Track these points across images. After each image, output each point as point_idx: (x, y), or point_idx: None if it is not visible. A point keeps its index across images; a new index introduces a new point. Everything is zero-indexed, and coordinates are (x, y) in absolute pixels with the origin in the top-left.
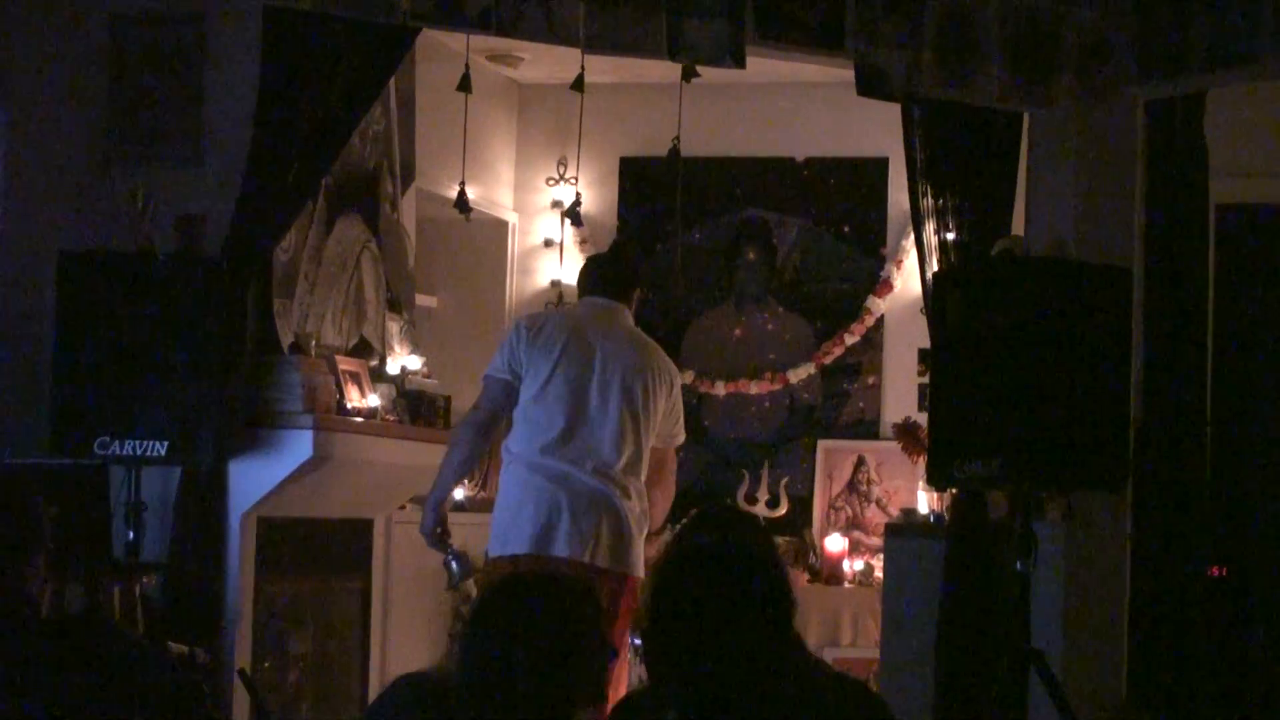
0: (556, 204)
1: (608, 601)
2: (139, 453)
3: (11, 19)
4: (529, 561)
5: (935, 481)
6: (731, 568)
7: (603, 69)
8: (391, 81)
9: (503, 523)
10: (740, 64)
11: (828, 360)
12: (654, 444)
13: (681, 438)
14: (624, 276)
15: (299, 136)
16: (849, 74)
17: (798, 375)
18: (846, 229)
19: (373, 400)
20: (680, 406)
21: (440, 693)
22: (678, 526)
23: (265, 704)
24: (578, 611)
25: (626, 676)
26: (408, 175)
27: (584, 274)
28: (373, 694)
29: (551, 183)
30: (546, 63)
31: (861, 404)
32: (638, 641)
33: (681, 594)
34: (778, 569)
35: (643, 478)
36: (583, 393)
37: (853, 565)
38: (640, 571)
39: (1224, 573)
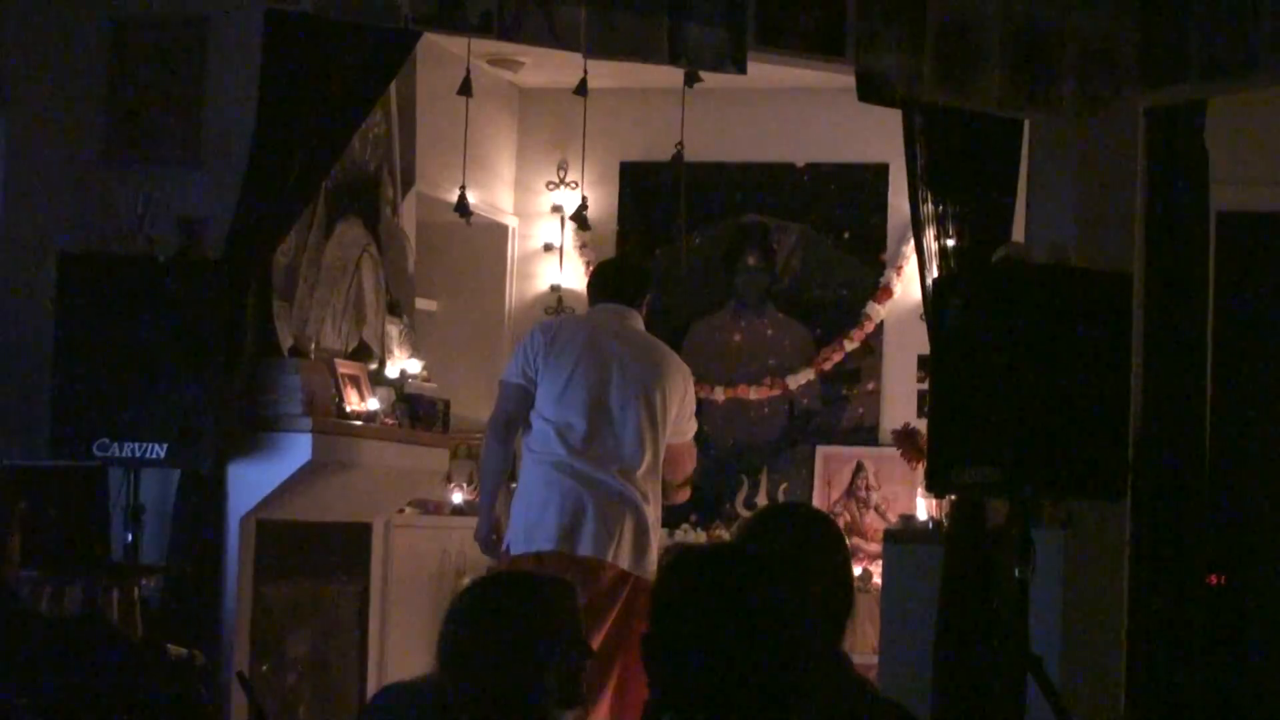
0: (557, 208)
1: (627, 602)
2: (138, 455)
3: (12, 20)
4: (554, 558)
5: (934, 488)
6: (733, 576)
7: (604, 74)
8: (392, 85)
9: (527, 519)
10: (741, 69)
11: (827, 366)
12: (669, 439)
13: (693, 430)
14: (634, 282)
15: (300, 139)
16: (850, 80)
17: (797, 381)
18: (846, 235)
19: (372, 404)
20: (692, 401)
21: (424, 698)
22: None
23: (263, 707)
24: (549, 610)
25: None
26: (408, 179)
27: (594, 280)
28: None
29: (552, 187)
30: (547, 67)
31: (861, 410)
32: None
33: (680, 600)
34: (792, 578)
35: (660, 482)
36: (603, 397)
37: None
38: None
39: (1222, 580)
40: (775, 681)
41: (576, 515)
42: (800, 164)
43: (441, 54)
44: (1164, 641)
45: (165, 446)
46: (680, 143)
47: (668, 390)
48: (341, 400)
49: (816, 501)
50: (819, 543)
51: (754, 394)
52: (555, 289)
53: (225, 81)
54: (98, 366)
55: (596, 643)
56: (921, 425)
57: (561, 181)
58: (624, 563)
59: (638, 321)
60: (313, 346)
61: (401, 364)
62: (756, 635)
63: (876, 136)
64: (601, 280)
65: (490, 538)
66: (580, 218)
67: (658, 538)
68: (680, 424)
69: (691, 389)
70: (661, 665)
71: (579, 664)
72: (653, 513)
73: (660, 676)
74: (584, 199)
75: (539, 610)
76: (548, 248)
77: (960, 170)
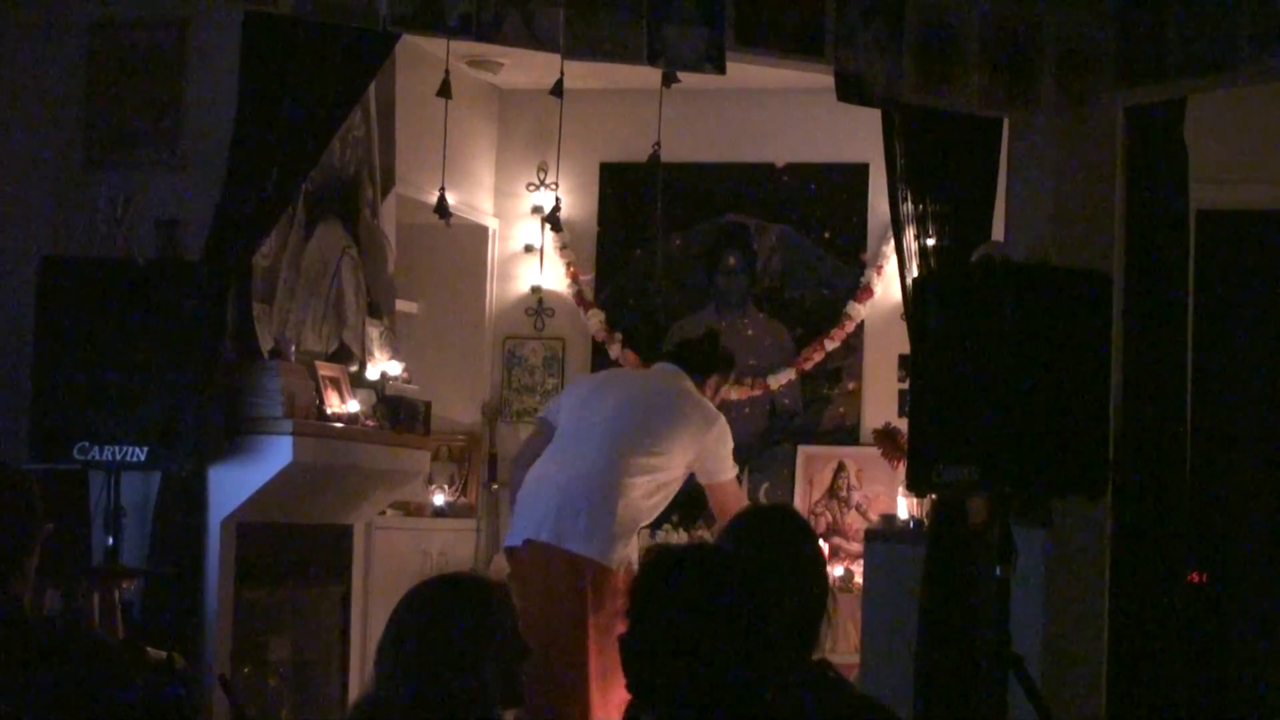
0: (537, 209)
1: (587, 589)
2: (119, 458)
3: None
4: (516, 551)
5: (915, 487)
6: (708, 575)
7: (583, 74)
8: (371, 87)
9: (511, 519)
10: (720, 70)
11: (808, 366)
12: (702, 480)
13: (722, 476)
14: (702, 354)
15: (279, 142)
16: (829, 80)
17: (778, 381)
18: (827, 235)
19: (352, 406)
20: (718, 449)
21: (366, 709)
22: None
23: (244, 710)
24: (485, 611)
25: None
26: (388, 181)
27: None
28: (352, 699)
29: (532, 188)
30: (527, 68)
31: (841, 410)
32: None
33: (656, 601)
34: (766, 579)
35: (634, 491)
36: (593, 417)
37: (833, 571)
38: (608, 561)
39: (1203, 579)
40: (750, 681)
41: (541, 509)
42: (780, 164)
43: (421, 56)
44: (1145, 640)
45: (146, 449)
46: (658, 143)
47: (667, 431)
48: (322, 402)
49: (798, 501)
50: (795, 547)
51: (735, 394)
52: (536, 290)
53: (204, 84)
54: (78, 369)
55: (555, 630)
56: (902, 424)
57: (541, 183)
58: (573, 546)
59: (683, 381)
60: (293, 349)
61: (382, 366)
62: (730, 634)
63: (856, 136)
64: (675, 343)
65: None
66: (554, 219)
67: (623, 534)
68: (706, 464)
69: (713, 439)
70: (639, 665)
71: (517, 663)
72: (614, 506)
73: (638, 676)
74: (557, 201)
75: (474, 611)
76: (528, 249)
77: (939, 170)
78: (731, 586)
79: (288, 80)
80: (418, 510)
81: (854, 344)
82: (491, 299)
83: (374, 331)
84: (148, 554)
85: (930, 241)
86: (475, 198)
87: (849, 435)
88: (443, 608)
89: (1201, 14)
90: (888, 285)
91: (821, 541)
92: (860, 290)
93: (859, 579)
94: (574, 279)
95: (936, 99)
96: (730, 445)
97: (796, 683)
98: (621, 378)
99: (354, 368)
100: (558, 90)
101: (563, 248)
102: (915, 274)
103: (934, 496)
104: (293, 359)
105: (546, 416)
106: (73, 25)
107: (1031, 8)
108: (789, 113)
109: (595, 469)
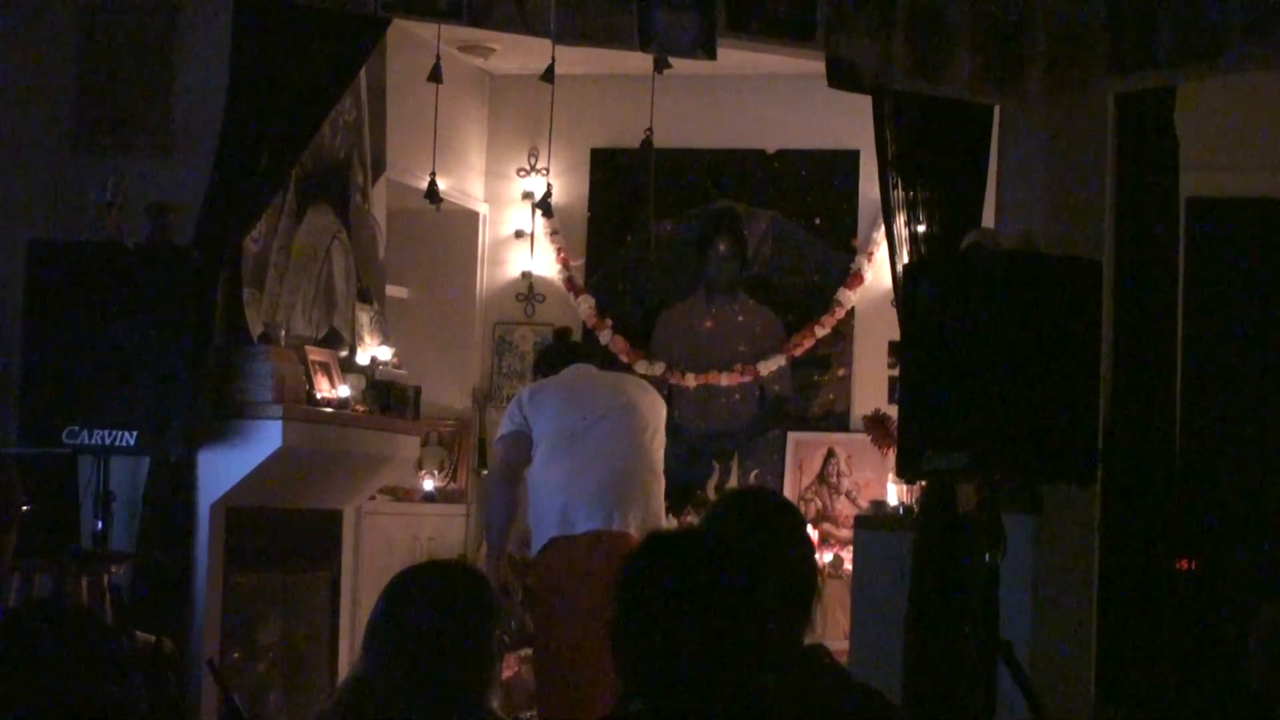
0: (527, 195)
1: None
2: (108, 442)
3: None
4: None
5: (905, 474)
6: (696, 561)
7: (574, 60)
8: (362, 72)
9: (541, 521)
10: (711, 55)
11: (798, 352)
12: None
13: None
14: (585, 351)
15: (270, 126)
16: (820, 66)
17: (768, 367)
18: (817, 221)
19: (342, 391)
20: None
21: (353, 692)
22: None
23: (233, 694)
24: (481, 599)
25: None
26: (378, 166)
27: (552, 354)
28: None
29: (522, 174)
30: (518, 54)
31: (832, 396)
32: None
33: (643, 585)
34: (754, 563)
35: (661, 479)
36: (592, 418)
37: (822, 557)
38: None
39: (1192, 565)
40: (739, 666)
41: (599, 499)
42: (771, 150)
43: (412, 41)
44: (1134, 626)
45: (135, 434)
46: (650, 129)
47: (655, 417)
48: (312, 387)
49: (788, 487)
50: (780, 526)
51: (725, 380)
52: (526, 275)
53: (195, 67)
54: (67, 354)
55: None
56: (892, 411)
57: (532, 168)
58: (617, 525)
59: (618, 373)
60: (283, 334)
61: (372, 351)
62: (719, 621)
63: (847, 123)
64: (561, 350)
65: (501, 583)
66: (545, 205)
67: (650, 502)
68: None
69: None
70: (628, 652)
71: (502, 652)
72: (660, 498)
73: (627, 663)
74: (549, 186)
75: (475, 600)
76: (519, 234)
77: (930, 156)
78: (721, 571)
79: (279, 65)
80: (407, 495)
81: (844, 330)
82: (482, 284)
83: (364, 316)
84: (137, 538)
85: (921, 228)
86: (466, 183)
87: (839, 421)
88: (445, 594)
89: (1191, 2)
90: (878, 272)
91: (811, 528)
92: (851, 277)
93: (849, 565)
94: (564, 265)
95: (927, 86)
96: None
97: (789, 668)
98: (583, 379)
99: (344, 353)
100: (548, 76)
101: (553, 233)
102: (906, 260)
103: (924, 483)
104: (283, 344)
105: (520, 429)
106: (64, 8)
107: None
108: (780, 99)
109: (634, 462)
